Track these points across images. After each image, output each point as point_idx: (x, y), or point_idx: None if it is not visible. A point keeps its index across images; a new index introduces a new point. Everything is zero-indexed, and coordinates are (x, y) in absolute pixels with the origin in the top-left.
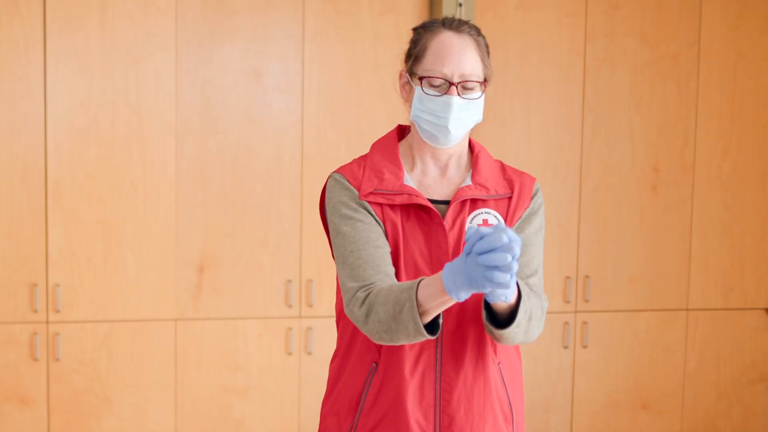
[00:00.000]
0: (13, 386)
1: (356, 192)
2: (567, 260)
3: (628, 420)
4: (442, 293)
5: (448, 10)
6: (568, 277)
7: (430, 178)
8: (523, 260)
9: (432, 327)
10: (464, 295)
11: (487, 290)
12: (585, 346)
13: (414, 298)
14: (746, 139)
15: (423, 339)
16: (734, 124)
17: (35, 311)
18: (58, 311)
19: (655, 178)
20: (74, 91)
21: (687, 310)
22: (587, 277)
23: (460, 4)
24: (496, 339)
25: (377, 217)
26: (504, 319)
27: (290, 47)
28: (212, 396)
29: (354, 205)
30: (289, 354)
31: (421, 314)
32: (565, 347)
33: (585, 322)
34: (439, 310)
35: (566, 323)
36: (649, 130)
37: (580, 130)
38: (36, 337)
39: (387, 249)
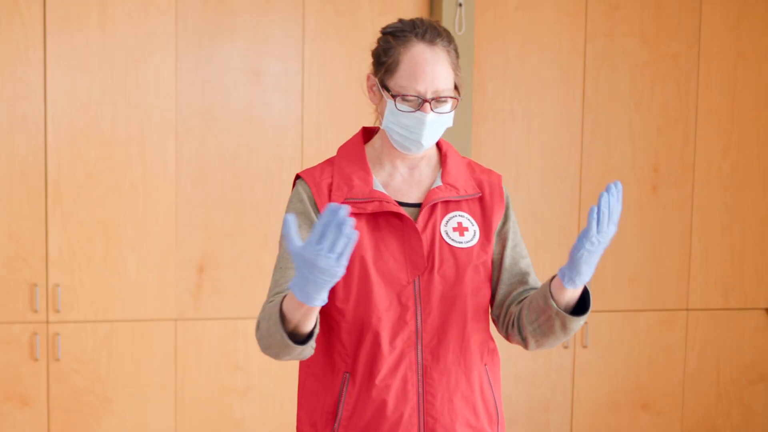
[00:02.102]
0: (13, 386)
1: (309, 207)
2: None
3: (628, 420)
4: (298, 304)
5: (448, 10)
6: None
7: (398, 180)
8: (516, 259)
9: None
10: (319, 301)
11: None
12: (585, 346)
13: (279, 305)
14: (746, 139)
15: (298, 352)
16: (734, 124)
17: (35, 311)
18: (58, 311)
19: (655, 178)
20: (74, 91)
21: (687, 310)
22: None
23: (460, 4)
24: (556, 333)
25: None
26: (571, 310)
27: (290, 47)
28: (212, 396)
29: (304, 223)
30: None
31: (289, 323)
32: (565, 347)
33: (585, 322)
34: (304, 321)
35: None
36: (649, 130)
37: (580, 130)
38: (36, 337)
39: None
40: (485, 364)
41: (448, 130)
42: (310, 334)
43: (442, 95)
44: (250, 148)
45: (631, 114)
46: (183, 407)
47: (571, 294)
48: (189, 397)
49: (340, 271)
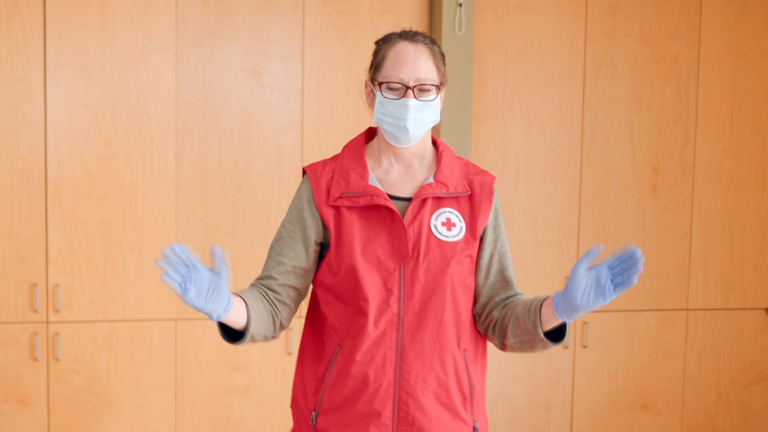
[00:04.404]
0: (13, 386)
1: (305, 203)
2: (567, 260)
3: (628, 420)
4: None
5: (448, 10)
6: (568, 277)
7: (393, 176)
8: (504, 266)
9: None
10: (223, 315)
11: None
12: (585, 346)
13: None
14: (746, 139)
15: (245, 343)
16: (734, 124)
17: (35, 311)
18: (58, 311)
19: (655, 178)
20: (74, 91)
21: (687, 310)
22: None
23: (460, 4)
24: (536, 350)
25: (318, 226)
26: (553, 334)
27: (290, 47)
28: (212, 396)
29: (295, 218)
30: (289, 354)
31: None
32: (565, 347)
33: (585, 322)
34: (232, 322)
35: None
36: (649, 130)
37: (580, 130)
38: (36, 337)
39: (290, 261)
40: (464, 350)
41: (448, 128)
42: (246, 328)
43: (424, 83)
44: (250, 148)
45: (631, 114)
46: (183, 407)
47: (556, 321)
48: (189, 397)
49: (212, 307)
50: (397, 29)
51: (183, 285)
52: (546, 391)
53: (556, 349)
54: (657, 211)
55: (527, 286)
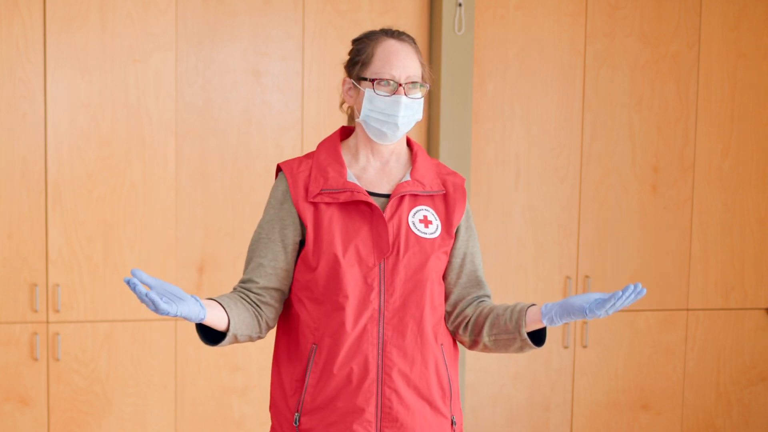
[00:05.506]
0: (13, 386)
1: (282, 200)
2: (567, 260)
3: (628, 420)
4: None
5: (448, 10)
6: (568, 277)
7: (370, 173)
8: (476, 266)
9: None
10: (201, 317)
11: None
12: (585, 346)
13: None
14: (746, 139)
15: (224, 344)
16: (734, 124)
17: (35, 311)
18: (58, 311)
19: (655, 178)
20: (74, 91)
21: (687, 310)
22: (587, 277)
23: (460, 4)
24: (509, 351)
25: (296, 224)
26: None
27: (290, 47)
28: (212, 396)
29: (272, 218)
30: None
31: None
32: (565, 347)
33: (585, 322)
34: (214, 324)
35: (566, 323)
36: (648, 130)
37: (580, 130)
38: (36, 337)
39: (270, 263)
40: (441, 344)
41: (448, 128)
42: (228, 329)
43: (413, 81)
44: (250, 148)
45: (631, 114)
46: (183, 407)
47: (538, 325)
48: (189, 397)
49: (183, 309)
50: (398, 29)
51: (153, 299)
52: (546, 391)
53: (556, 349)
54: (657, 211)
55: (527, 286)
